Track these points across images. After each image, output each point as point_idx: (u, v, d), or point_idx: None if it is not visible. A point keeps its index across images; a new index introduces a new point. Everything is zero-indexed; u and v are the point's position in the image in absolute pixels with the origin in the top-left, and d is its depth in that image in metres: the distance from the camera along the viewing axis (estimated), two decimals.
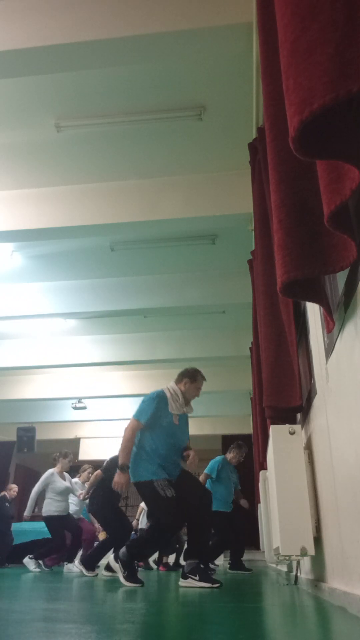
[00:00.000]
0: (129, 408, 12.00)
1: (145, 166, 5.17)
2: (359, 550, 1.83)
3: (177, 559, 7.86)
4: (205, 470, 6.22)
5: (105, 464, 5.83)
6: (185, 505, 3.61)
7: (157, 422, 3.77)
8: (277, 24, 1.21)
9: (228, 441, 13.37)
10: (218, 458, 6.38)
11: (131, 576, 3.60)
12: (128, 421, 3.84)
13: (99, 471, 5.78)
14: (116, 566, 3.66)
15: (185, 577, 3.52)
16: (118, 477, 3.67)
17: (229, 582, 3.97)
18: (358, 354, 1.68)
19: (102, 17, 3.48)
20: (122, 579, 3.59)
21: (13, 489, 8.71)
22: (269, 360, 3.24)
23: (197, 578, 3.46)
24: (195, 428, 12.47)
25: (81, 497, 6.57)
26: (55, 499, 6.56)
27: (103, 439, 13.54)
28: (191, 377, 4.04)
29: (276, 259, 1.72)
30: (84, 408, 11.76)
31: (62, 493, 6.64)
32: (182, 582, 3.52)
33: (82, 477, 7.54)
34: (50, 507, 6.54)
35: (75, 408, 11.77)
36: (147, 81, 4.14)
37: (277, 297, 3.21)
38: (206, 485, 6.01)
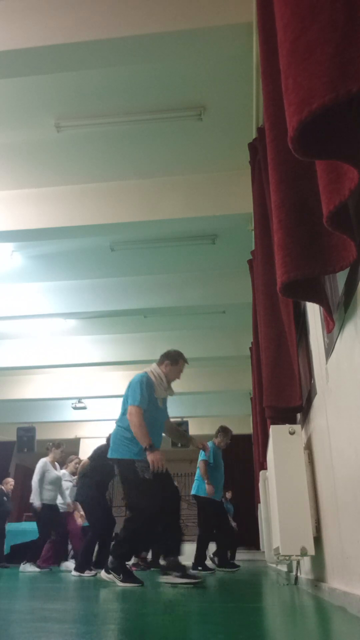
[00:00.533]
0: None
1: (145, 166, 5.17)
2: (359, 550, 1.83)
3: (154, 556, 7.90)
4: (202, 457, 6.25)
5: (92, 453, 5.87)
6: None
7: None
8: (277, 24, 1.21)
9: None
10: (209, 444, 6.41)
11: (128, 577, 3.56)
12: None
13: (86, 459, 5.84)
14: (109, 577, 3.59)
15: (108, 571, 3.55)
16: (152, 456, 3.54)
17: (229, 582, 3.97)
18: (358, 354, 1.68)
19: (102, 17, 3.48)
20: (120, 584, 3.52)
21: (10, 482, 8.72)
22: (269, 360, 3.24)
23: (120, 578, 3.50)
24: (195, 428, 12.50)
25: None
26: (46, 487, 6.63)
27: (103, 439, 13.52)
28: (173, 360, 4.02)
29: (276, 259, 1.72)
30: (84, 408, 11.76)
31: (54, 482, 6.73)
32: (104, 575, 3.54)
33: (69, 468, 7.56)
34: (41, 496, 6.59)
35: (75, 408, 11.77)
36: (147, 81, 4.14)
37: (277, 297, 3.20)
38: (204, 473, 6.06)
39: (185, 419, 12.07)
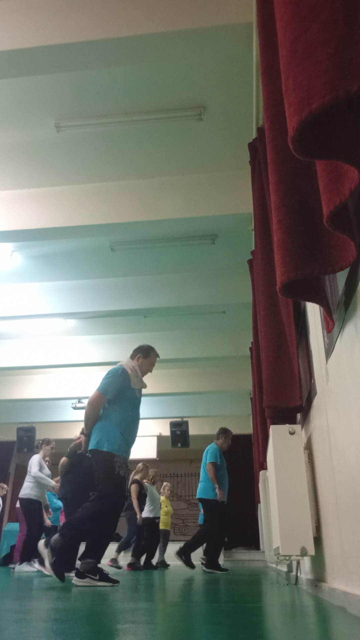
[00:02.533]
0: None
1: (145, 166, 5.17)
2: (359, 550, 1.83)
3: (147, 558, 7.92)
4: (210, 460, 6.23)
5: (68, 451, 5.91)
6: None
7: (122, 396, 3.86)
8: (277, 24, 1.21)
9: None
10: (213, 445, 6.43)
11: (103, 578, 3.52)
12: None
13: (64, 458, 5.88)
14: (84, 581, 3.49)
15: (82, 576, 3.50)
16: (83, 438, 3.83)
17: (229, 582, 3.97)
18: (358, 354, 1.68)
19: (102, 17, 3.48)
20: (97, 583, 3.48)
21: (4, 488, 8.74)
22: (269, 360, 3.24)
23: (97, 577, 3.48)
24: (195, 428, 12.50)
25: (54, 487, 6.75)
26: (36, 483, 6.68)
27: None
28: (144, 353, 4.15)
29: (276, 259, 1.72)
30: (84, 408, 11.75)
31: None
32: (78, 582, 3.49)
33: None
34: (30, 491, 6.63)
35: (75, 408, 11.76)
36: (147, 81, 4.14)
37: (277, 297, 3.21)
38: (214, 477, 6.04)
39: (185, 419, 12.07)
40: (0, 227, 5.42)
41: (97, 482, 3.70)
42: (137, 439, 3.96)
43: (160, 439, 13.22)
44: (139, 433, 3.99)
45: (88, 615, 1.84)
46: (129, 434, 3.81)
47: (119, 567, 7.51)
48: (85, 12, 3.51)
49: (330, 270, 1.59)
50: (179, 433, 11.96)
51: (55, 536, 3.54)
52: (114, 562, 7.60)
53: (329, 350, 2.28)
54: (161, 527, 8.62)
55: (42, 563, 4.22)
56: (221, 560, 10.08)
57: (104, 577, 3.51)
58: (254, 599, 2.54)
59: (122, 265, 6.87)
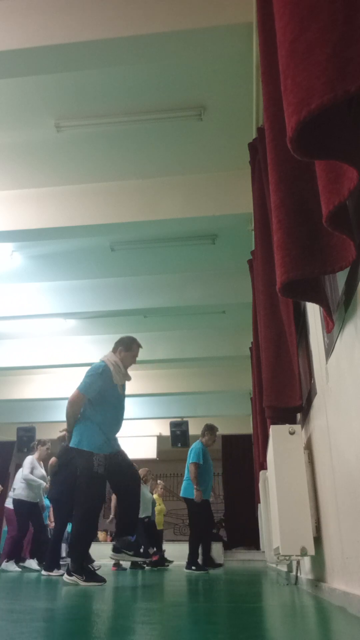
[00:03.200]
0: (129, 408, 11.95)
1: (145, 166, 5.17)
2: (359, 550, 1.83)
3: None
4: (193, 460, 6.24)
5: (58, 451, 5.94)
6: (117, 484, 3.83)
7: (103, 395, 3.88)
8: (276, 25, 1.21)
9: (228, 441, 13.39)
10: (197, 444, 6.44)
11: (91, 577, 3.60)
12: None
13: (53, 458, 5.89)
14: (71, 579, 3.61)
15: (70, 574, 3.60)
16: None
17: (228, 582, 3.97)
18: (358, 354, 1.68)
19: (102, 17, 3.48)
20: (82, 584, 3.53)
21: None
22: (269, 361, 3.24)
23: (82, 578, 3.54)
24: (195, 428, 12.47)
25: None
26: (27, 485, 6.68)
27: None
28: (126, 346, 4.16)
29: (276, 259, 1.72)
30: None
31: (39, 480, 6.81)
32: (67, 578, 3.60)
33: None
34: (22, 492, 6.64)
35: None
36: (147, 81, 4.14)
37: (277, 297, 3.21)
38: (195, 478, 6.05)
39: (185, 419, 12.07)
40: (0, 227, 5.42)
41: (78, 479, 3.78)
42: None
43: (160, 439, 13.22)
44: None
45: (89, 615, 1.84)
46: (110, 432, 3.87)
47: (141, 566, 7.52)
48: (85, 12, 3.51)
49: (330, 270, 1.59)
50: (179, 433, 11.96)
51: (69, 562, 3.70)
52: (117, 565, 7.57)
53: (329, 350, 2.28)
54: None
55: (48, 568, 4.41)
56: (220, 560, 10.08)
57: (90, 576, 3.59)
58: (254, 599, 2.54)
59: (122, 265, 6.87)
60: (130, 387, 12.47)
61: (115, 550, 3.78)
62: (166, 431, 12.35)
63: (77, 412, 3.87)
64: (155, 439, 13.28)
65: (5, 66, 3.62)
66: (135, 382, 10.89)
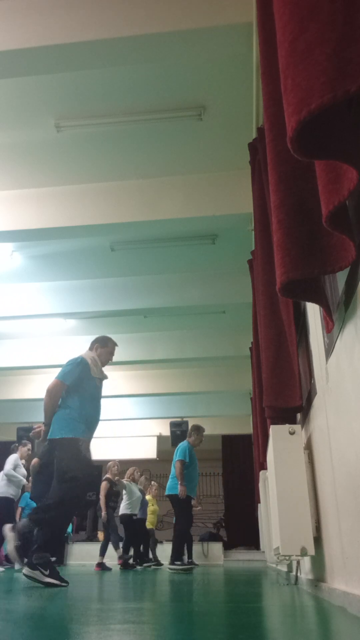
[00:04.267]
0: (129, 408, 11.99)
1: (145, 166, 5.17)
2: (359, 550, 1.83)
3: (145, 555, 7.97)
4: (179, 457, 6.29)
5: (40, 451, 5.97)
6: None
7: (82, 385, 3.90)
8: (276, 24, 1.21)
9: (228, 441, 13.39)
10: (184, 443, 6.48)
11: (54, 574, 3.41)
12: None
13: (35, 459, 5.94)
14: (35, 573, 3.38)
15: (34, 567, 3.39)
16: (39, 427, 3.98)
17: (228, 582, 3.97)
18: (358, 354, 1.68)
19: (102, 17, 3.48)
20: (45, 579, 3.35)
21: None
22: (269, 360, 3.24)
23: (47, 573, 3.37)
24: None
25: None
26: (8, 481, 6.74)
27: (103, 438, 13.56)
28: (102, 343, 4.23)
29: (276, 259, 1.72)
30: None
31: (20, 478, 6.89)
32: (27, 571, 3.38)
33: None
34: (6, 489, 6.68)
35: None
36: (147, 81, 4.14)
37: (277, 297, 3.20)
38: (180, 474, 6.08)
39: (185, 419, 12.07)
40: (0, 227, 5.42)
41: (64, 468, 3.63)
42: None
43: (160, 439, 13.22)
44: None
45: (81, 615, 1.84)
46: (90, 422, 3.87)
47: (132, 566, 7.53)
48: (85, 12, 3.51)
49: (330, 270, 1.59)
50: (179, 433, 11.96)
51: (24, 520, 3.59)
52: (124, 561, 7.57)
53: (329, 350, 2.28)
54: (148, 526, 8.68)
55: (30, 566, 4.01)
56: (220, 560, 10.08)
57: (54, 574, 3.40)
58: (254, 599, 2.54)
59: (122, 265, 6.87)
60: (130, 387, 12.51)
61: (30, 565, 3.45)
62: (166, 431, 12.35)
63: (56, 401, 3.84)
64: (155, 439, 13.27)
65: (5, 66, 3.62)
66: (136, 382, 10.93)
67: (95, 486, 7.71)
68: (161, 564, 8.73)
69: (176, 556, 6.09)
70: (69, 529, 10.30)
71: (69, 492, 3.58)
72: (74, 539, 10.87)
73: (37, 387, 11.05)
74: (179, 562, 6.03)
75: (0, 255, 6.46)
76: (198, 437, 6.58)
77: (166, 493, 6.40)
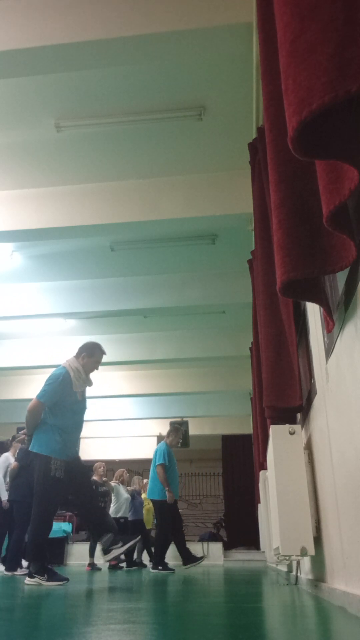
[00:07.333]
0: (129, 408, 11.99)
1: (145, 166, 5.17)
2: (359, 550, 1.83)
3: (131, 556, 7.94)
4: (158, 462, 6.16)
5: (17, 454, 6.13)
6: (76, 489, 3.90)
7: (61, 401, 3.94)
8: (277, 24, 1.21)
9: (228, 441, 13.40)
10: (162, 445, 6.38)
11: (52, 576, 3.68)
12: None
13: (14, 462, 6.02)
14: (33, 581, 3.68)
15: (31, 576, 3.67)
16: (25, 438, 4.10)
17: (227, 582, 3.97)
18: (358, 354, 1.68)
19: (102, 17, 3.48)
20: (45, 584, 3.61)
21: None
22: (269, 360, 3.24)
23: (45, 578, 3.61)
24: (195, 428, 12.50)
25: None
26: (7, 482, 6.65)
27: (103, 439, 13.55)
28: (89, 352, 4.17)
29: (276, 259, 1.72)
30: None
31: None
32: (28, 581, 3.66)
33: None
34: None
35: None
36: (147, 81, 4.14)
37: (277, 297, 3.20)
38: (165, 480, 6.01)
39: (185, 419, 12.08)
40: (0, 227, 5.42)
41: (35, 481, 3.85)
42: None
43: (160, 438, 13.21)
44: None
45: (79, 616, 1.84)
46: (69, 437, 3.94)
47: (120, 567, 7.53)
48: (85, 12, 3.51)
49: (330, 270, 1.59)
50: None
51: (31, 565, 3.77)
52: (117, 561, 7.56)
53: (329, 350, 2.28)
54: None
55: (10, 569, 4.44)
56: (220, 560, 10.08)
57: (52, 577, 3.65)
58: (254, 599, 2.54)
59: (122, 265, 6.87)
60: (130, 387, 12.50)
61: (106, 551, 3.83)
62: (166, 431, 12.35)
63: (36, 420, 3.95)
64: (155, 439, 13.27)
65: (5, 66, 3.62)
66: (136, 382, 10.94)
67: (103, 495, 7.67)
68: (145, 566, 8.67)
69: (158, 561, 6.02)
70: (69, 529, 10.30)
71: (43, 511, 3.77)
72: (74, 539, 10.86)
73: (37, 387, 11.02)
74: (160, 567, 5.95)
75: (0, 255, 6.46)
76: (176, 437, 6.49)
77: (147, 496, 6.34)
